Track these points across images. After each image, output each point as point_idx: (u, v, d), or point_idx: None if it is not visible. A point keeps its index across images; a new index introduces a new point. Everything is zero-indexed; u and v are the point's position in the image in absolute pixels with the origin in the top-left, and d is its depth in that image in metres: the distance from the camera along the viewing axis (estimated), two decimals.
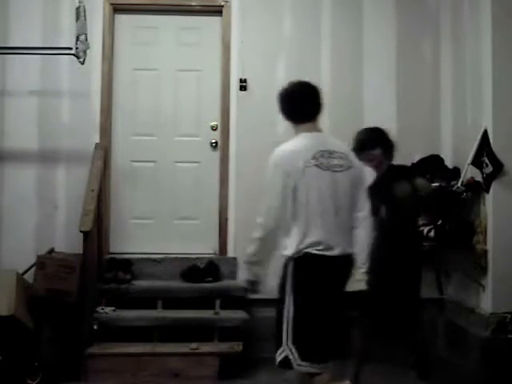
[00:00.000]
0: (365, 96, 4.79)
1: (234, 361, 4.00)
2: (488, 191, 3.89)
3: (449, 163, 4.56)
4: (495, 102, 3.89)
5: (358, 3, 4.83)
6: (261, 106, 4.55)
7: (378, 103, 4.78)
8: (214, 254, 4.74)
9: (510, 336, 3.73)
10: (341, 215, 2.64)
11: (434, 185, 4.24)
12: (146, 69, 4.88)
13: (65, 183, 4.67)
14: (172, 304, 4.34)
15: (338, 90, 4.75)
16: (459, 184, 4.03)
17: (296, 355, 2.53)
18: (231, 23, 4.79)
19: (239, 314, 4.28)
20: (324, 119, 4.65)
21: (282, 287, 2.61)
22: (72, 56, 4.21)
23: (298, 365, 2.53)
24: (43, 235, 4.59)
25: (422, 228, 4.40)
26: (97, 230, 4.39)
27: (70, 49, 4.20)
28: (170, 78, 4.87)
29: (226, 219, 4.72)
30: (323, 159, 2.62)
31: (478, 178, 3.96)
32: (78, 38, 4.15)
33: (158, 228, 4.82)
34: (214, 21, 4.86)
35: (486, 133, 3.91)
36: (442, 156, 4.63)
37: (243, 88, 4.68)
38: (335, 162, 2.65)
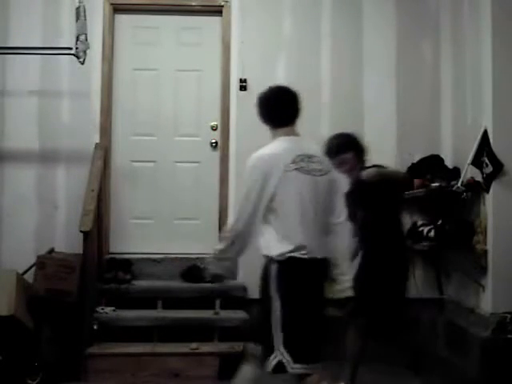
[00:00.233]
0: (365, 96, 4.79)
1: (234, 361, 3.98)
2: (488, 191, 3.88)
3: (449, 163, 4.56)
4: (495, 102, 3.88)
5: (357, 3, 4.84)
6: None
7: (378, 103, 4.78)
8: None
9: (509, 336, 3.73)
10: (319, 219, 2.67)
11: (434, 185, 4.24)
12: (146, 69, 4.88)
13: (65, 183, 4.67)
14: (172, 304, 4.34)
15: (338, 89, 4.76)
16: (459, 184, 4.02)
17: (289, 359, 2.53)
18: (231, 23, 4.79)
19: (239, 314, 4.27)
20: (324, 119, 4.78)
21: (265, 290, 2.62)
22: (72, 56, 4.21)
23: (292, 368, 2.53)
24: (43, 235, 4.59)
25: (421, 228, 4.42)
26: (97, 229, 4.39)
27: (70, 49, 4.20)
28: (170, 78, 4.87)
29: (226, 219, 4.72)
30: (303, 163, 2.64)
31: (478, 178, 3.96)
32: (77, 38, 4.15)
33: (158, 228, 4.82)
34: (214, 21, 4.87)
35: (485, 133, 3.90)
36: (442, 156, 4.63)
37: (243, 88, 4.69)
38: (314, 166, 2.68)
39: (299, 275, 2.59)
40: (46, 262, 4.15)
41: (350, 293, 2.71)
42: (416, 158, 4.65)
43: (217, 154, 4.82)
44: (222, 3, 4.81)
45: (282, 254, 2.57)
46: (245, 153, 4.61)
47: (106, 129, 4.73)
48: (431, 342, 4.47)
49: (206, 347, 4.07)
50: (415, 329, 4.22)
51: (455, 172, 4.31)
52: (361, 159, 3.53)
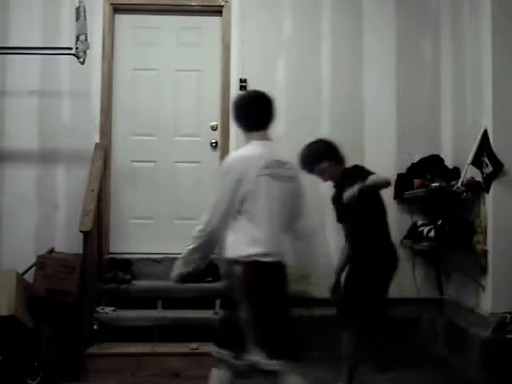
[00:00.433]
0: (365, 96, 4.79)
1: None
2: (488, 191, 3.88)
3: (449, 163, 4.56)
4: (495, 102, 3.89)
5: (357, 3, 4.83)
6: None
7: (378, 103, 4.78)
8: (214, 253, 4.72)
9: (509, 336, 3.73)
10: (285, 225, 2.72)
11: (434, 185, 4.24)
12: (146, 69, 4.88)
13: (65, 183, 4.67)
14: (172, 304, 4.34)
15: (338, 90, 4.76)
16: (459, 184, 4.02)
17: (262, 356, 2.56)
18: (231, 23, 4.79)
19: None
20: (324, 119, 4.78)
21: (230, 292, 2.66)
22: (72, 56, 4.20)
23: (266, 365, 2.56)
24: (43, 235, 4.59)
25: (421, 228, 4.41)
26: (97, 229, 4.39)
27: (70, 49, 4.20)
28: (170, 78, 4.87)
29: None
30: (275, 169, 2.68)
31: (478, 178, 3.96)
32: (78, 38, 4.15)
33: (158, 228, 4.82)
34: (214, 21, 4.87)
35: (486, 133, 3.90)
36: (442, 156, 4.63)
37: (243, 88, 4.68)
38: (285, 172, 2.73)
39: (265, 277, 2.62)
40: (46, 262, 4.15)
41: (309, 291, 2.83)
42: (416, 158, 4.65)
43: (217, 154, 4.81)
44: (222, 3, 4.81)
45: (248, 257, 2.61)
46: None
47: (105, 129, 4.73)
48: (431, 342, 4.48)
49: (206, 347, 4.04)
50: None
51: (455, 172, 4.31)
52: (338, 164, 3.51)
